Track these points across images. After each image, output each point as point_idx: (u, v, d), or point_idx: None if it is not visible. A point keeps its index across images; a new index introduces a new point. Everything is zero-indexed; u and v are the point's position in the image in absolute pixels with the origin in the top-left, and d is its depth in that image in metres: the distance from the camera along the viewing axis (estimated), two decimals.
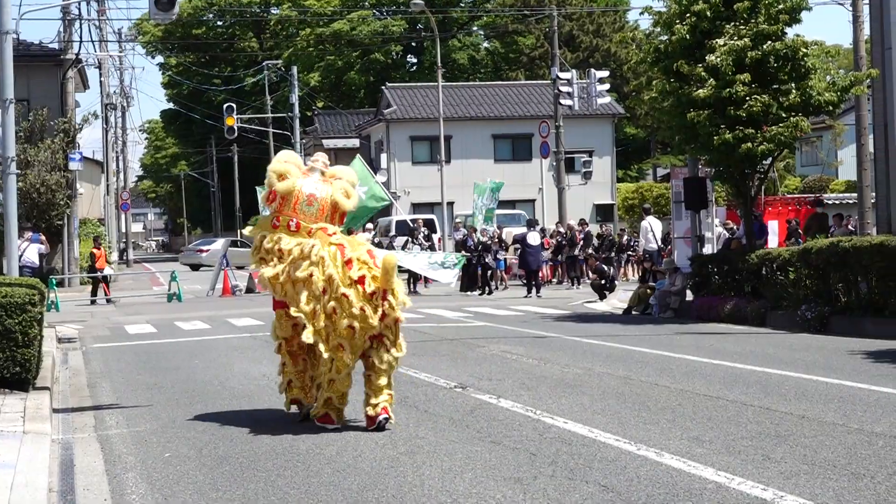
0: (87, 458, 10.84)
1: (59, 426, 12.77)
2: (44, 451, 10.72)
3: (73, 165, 44.25)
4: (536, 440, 10.98)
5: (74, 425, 12.85)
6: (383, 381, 11.69)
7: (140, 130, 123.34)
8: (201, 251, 69.63)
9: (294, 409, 12.53)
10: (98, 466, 10.46)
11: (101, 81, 60.63)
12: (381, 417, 11.60)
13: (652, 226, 34.62)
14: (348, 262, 11.63)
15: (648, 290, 27.60)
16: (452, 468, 9.84)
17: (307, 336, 11.56)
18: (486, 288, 36.09)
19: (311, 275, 11.57)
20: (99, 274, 37.83)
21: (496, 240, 37.85)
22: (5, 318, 13.68)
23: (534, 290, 34.33)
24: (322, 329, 11.55)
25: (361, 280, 11.55)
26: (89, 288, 44.41)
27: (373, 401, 11.66)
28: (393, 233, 44.94)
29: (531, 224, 37.71)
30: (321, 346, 11.51)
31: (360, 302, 11.48)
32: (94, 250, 38.63)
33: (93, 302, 36.66)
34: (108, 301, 36.70)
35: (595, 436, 11.08)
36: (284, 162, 12.34)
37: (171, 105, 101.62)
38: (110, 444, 11.49)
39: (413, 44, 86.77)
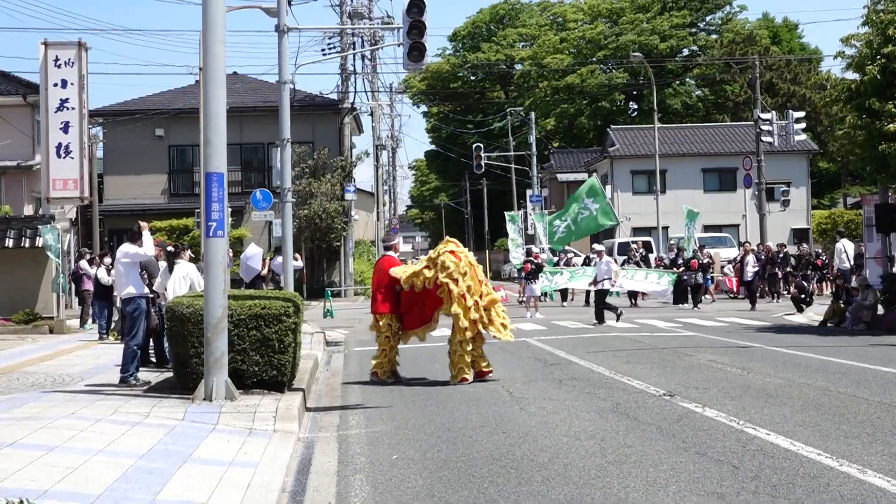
0: (323, 458, 9.90)
1: (307, 425, 11.92)
2: (286, 451, 9.86)
3: (348, 196, 44.95)
4: (739, 452, 9.53)
5: (321, 424, 11.97)
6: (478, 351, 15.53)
7: (409, 167, 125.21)
8: None
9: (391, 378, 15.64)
10: (331, 467, 9.48)
11: (373, 126, 60.89)
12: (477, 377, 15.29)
13: (845, 247, 32.24)
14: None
15: (843, 305, 25.51)
16: (657, 480, 8.50)
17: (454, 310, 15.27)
18: (694, 301, 34.13)
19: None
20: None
21: (707, 261, 35.89)
22: (264, 327, 12.94)
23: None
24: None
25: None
26: (362, 298, 44.55)
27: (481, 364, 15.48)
28: (615, 252, 43.73)
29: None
30: (462, 321, 15.15)
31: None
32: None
33: None
34: None
35: (797, 449, 9.58)
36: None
37: (433, 146, 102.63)
38: (347, 444, 10.54)
39: (634, 92, 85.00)
